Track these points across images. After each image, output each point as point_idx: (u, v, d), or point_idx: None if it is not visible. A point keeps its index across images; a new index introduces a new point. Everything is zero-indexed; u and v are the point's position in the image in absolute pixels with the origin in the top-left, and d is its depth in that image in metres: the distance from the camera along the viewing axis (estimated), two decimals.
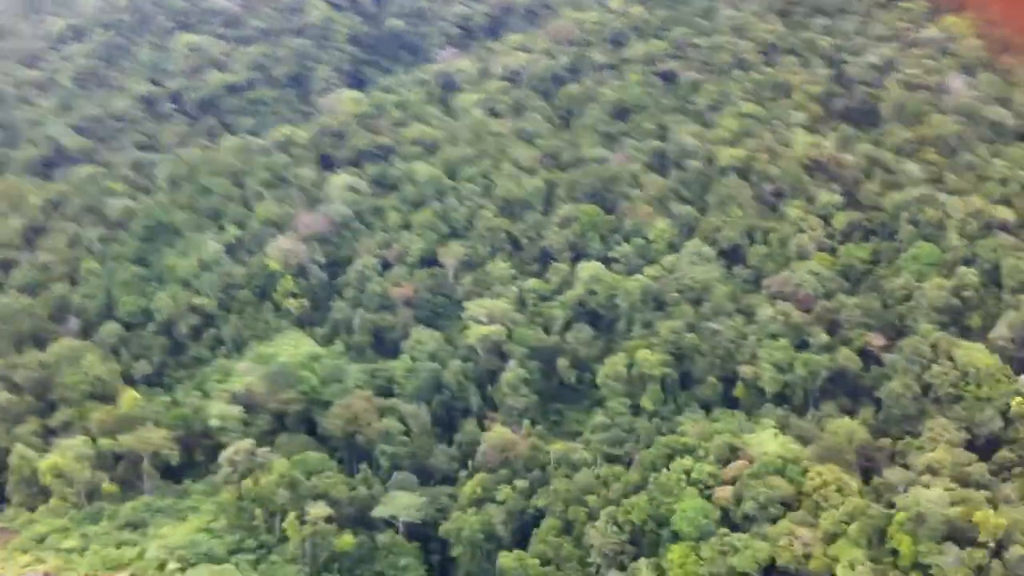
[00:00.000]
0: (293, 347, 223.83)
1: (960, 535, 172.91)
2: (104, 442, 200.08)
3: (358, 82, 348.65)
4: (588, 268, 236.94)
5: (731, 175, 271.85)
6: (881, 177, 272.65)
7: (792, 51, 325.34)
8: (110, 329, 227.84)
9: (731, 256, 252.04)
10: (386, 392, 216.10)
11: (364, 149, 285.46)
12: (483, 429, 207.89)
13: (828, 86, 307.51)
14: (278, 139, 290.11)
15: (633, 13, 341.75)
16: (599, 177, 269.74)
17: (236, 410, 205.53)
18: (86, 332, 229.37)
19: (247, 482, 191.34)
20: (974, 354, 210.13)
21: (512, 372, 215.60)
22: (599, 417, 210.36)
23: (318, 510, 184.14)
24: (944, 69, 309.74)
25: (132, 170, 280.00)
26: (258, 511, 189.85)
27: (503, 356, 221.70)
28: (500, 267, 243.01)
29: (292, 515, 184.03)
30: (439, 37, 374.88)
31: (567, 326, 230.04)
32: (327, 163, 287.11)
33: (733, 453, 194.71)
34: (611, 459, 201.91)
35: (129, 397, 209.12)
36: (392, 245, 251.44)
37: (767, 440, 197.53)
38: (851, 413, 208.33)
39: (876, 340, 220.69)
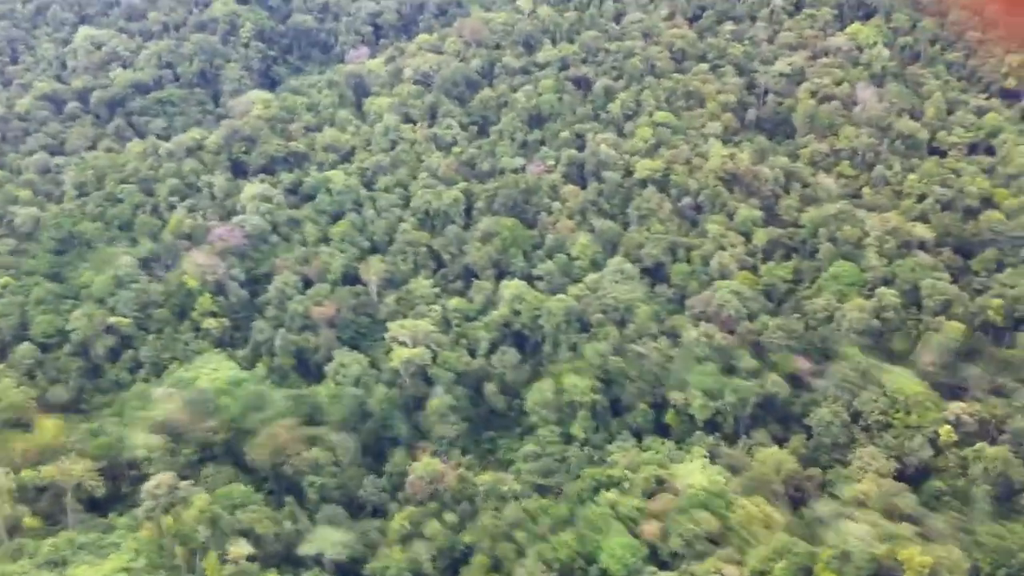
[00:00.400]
0: (214, 371, 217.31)
1: (886, 574, 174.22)
2: (26, 473, 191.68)
3: (270, 81, 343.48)
4: (511, 287, 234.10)
5: (650, 187, 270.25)
6: (799, 191, 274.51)
7: (703, 58, 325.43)
8: (25, 351, 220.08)
9: (654, 274, 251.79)
10: (312, 419, 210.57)
11: (276, 155, 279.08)
12: (413, 459, 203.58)
13: (740, 95, 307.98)
14: (187, 143, 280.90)
15: (542, 15, 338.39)
16: (518, 188, 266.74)
17: (159, 439, 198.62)
18: (2, 352, 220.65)
19: (167, 518, 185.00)
20: (902, 380, 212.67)
21: (439, 399, 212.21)
22: (529, 446, 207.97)
23: (239, 548, 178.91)
24: (853, 79, 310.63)
25: (38, 174, 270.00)
26: (179, 549, 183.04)
27: (429, 381, 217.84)
28: (423, 285, 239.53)
29: (213, 554, 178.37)
30: (350, 35, 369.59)
31: (493, 348, 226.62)
32: (239, 170, 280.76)
33: (660, 485, 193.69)
34: (542, 490, 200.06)
35: (50, 425, 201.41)
36: (311, 261, 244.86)
37: (694, 471, 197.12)
38: (782, 440, 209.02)
39: (803, 364, 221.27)
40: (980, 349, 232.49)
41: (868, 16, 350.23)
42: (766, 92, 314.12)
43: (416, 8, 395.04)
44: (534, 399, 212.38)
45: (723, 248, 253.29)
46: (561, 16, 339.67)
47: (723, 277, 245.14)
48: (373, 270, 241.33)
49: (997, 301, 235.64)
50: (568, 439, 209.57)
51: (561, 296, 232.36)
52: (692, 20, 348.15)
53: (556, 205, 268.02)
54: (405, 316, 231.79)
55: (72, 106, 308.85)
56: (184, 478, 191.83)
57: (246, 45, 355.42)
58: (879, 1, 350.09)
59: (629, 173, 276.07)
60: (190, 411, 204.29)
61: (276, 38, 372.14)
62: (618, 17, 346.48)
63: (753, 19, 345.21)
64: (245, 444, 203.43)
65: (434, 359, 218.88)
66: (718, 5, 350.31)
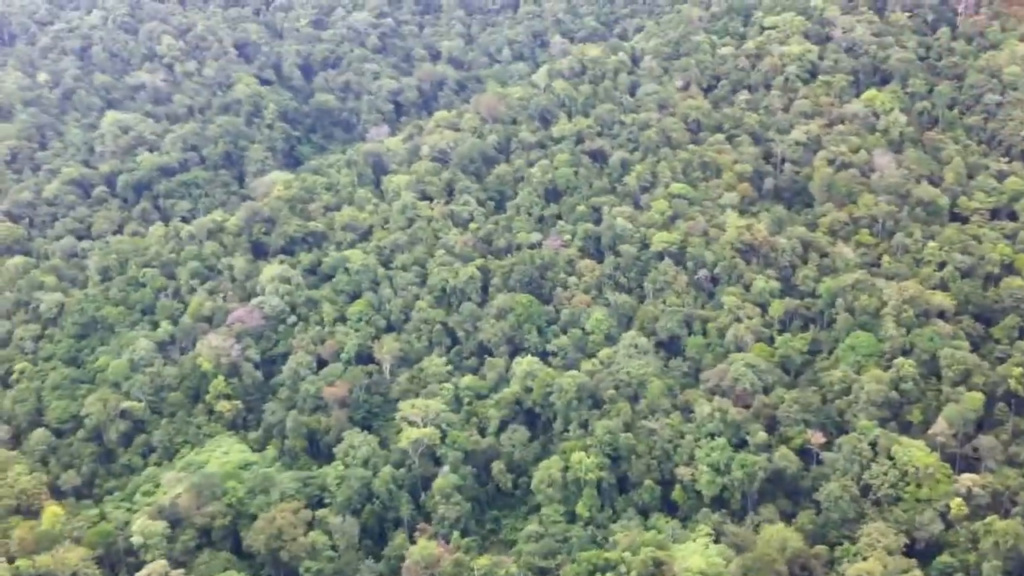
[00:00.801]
0: (224, 454, 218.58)
1: None
2: (22, 563, 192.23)
3: (294, 161, 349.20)
4: (524, 364, 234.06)
5: (666, 260, 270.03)
6: (816, 261, 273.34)
7: (719, 128, 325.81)
8: (39, 436, 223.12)
9: (669, 347, 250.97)
10: (317, 501, 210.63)
11: (295, 236, 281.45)
12: (413, 541, 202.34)
13: (757, 164, 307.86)
14: (208, 226, 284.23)
15: (557, 89, 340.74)
16: (534, 264, 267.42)
17: (160, 526, 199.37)
18: (16, 439, 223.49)
19: None
20: (914, 452, 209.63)
21: (444, 479, 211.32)
22: (532, 526, 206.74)
23: None
24: (870, 146, 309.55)
25: (64, 259, 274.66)
26: None
27: (437, 461, 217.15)
28: (436, 363, 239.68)
29: None
30: (372, 113, 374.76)
31: (504, 426, 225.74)
32: (259, 251, 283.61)
33: (658, 568, 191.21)
34: (541, 572, 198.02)
35: (50, 513, 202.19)
36: (326, 340, 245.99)
37: (694, 552, 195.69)
38: (791, 516, 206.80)
39: (816, 437, 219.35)
40: (1002, 419, 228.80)
41: (884, 82, 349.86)
42: (783, 161, 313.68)
43: (436, 85, 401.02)
44: (540, 477, 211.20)
45: (739, 320, 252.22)
46: (576, 90, 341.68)
47: (739, 350, 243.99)
48: (387, 348, 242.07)
49: (1018, 370, 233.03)
50: (572, 518, 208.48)
51: (573, 372, 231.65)
52: (707, 90, 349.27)
53: (572, 280, 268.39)
54: (417, 395, 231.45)
55: (99, 190, 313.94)
56: (180, 564, 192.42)
57: (270, 126, 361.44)
58: (895, 67, 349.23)
59: (646, 246, 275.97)
60: (196, 495, 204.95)
61: (299, 118, 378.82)
62: (633, 89, 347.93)
63: (768, 88, 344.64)
64: (244, 529, 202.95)
65: (443, 438, 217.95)
66: (732, 75, 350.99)
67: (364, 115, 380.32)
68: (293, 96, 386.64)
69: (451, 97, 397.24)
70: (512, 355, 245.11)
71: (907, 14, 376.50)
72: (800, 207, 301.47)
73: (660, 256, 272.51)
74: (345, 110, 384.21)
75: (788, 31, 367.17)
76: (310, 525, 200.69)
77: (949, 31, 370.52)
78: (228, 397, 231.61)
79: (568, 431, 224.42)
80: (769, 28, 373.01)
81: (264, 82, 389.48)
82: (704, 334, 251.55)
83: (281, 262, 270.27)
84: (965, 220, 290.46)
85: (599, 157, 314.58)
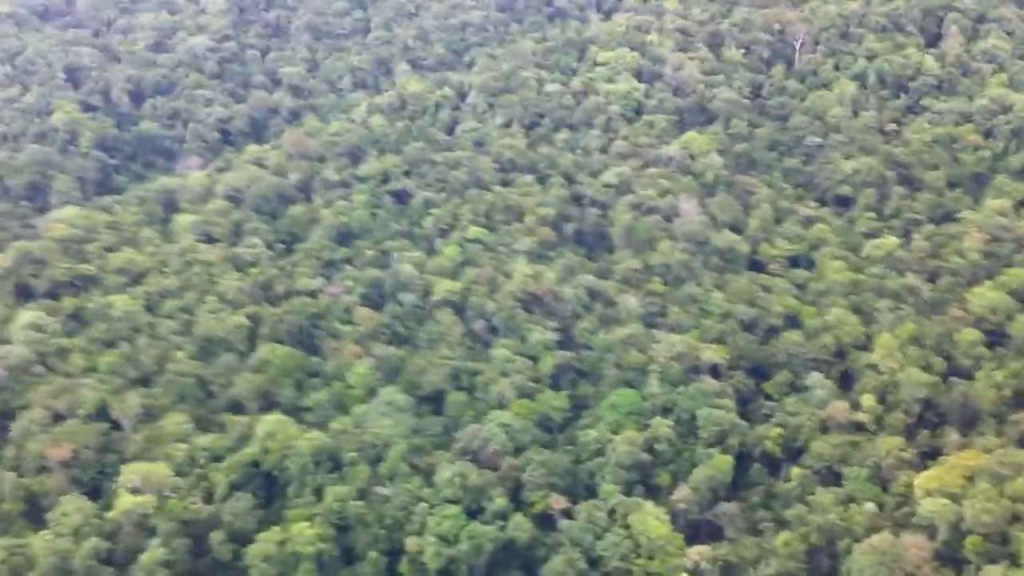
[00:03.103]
0: None
1: None
2: None
3: (109, 191, 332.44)
4: (267, 422, 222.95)
5: (445, 309, 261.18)
6: (600, 312, 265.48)
7: (533, 168, 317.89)
8: None
9: (435, 402, 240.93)
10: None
11: (62, 280, 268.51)
12: None
13: (562, 208, 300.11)
14: None
15: (373, 124, 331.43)
16: (306, 313, 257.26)
17: None
18: None
19: None
20: (649, 521, 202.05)
21: (151, 552, 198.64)
22: None
23: None
24: (678, 190, 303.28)
25: None
26: None
27: (152, 531, 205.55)
28: (175, 421, 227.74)
29: None
30: (196, 142, 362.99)
31: (233, 491, 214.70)
32: (26, 294, 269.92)
33: None
34: None
35: None
36: (66, 394, 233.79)
37: None
38: None
39: (558, 503, 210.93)
40: (758, 481, 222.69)
41: (710, 121, 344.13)
42: (592, 204, 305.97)
43: (269, 113, 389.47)
44: (255, 551, 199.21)
45: (506, 375, 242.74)
46: (392, 126, 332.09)
47: (500, 406, 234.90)
48: (129, 404, 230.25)
49: (776, 431, 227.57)
50: None
51: (313, 433, 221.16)
52: (530, 128, 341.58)
53: (347, 329, 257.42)
54: (151, 455, 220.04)
55: None
56: None
57: (85, 155, 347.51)
58: (719, 107, 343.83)
59: (427, 295, 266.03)
60: None
61: (120, 146, 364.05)
62: (453, 126, 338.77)
63: (590, 126, 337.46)
64: None
65: (160, 506, 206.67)
66: (556, 112, 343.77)
67: (188, 144, 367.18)
68: (117, 123, 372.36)
69: (283, 127, 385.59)
70: (265, 410, 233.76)
71: (742, 51, 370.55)
72: (602, 252, 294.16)
73: (440, 306, 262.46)
74: (168, 138, 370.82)
75: (619, 67, 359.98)
76: None
77: (784, 69, 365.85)
78: None
79: (301, 497, 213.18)
80: (601, 64, 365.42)
81: (90, 108, 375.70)
82: (468, 390, 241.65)
83: (42, 308, 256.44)
84: (763, 268, 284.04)
85: (402, 197, 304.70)
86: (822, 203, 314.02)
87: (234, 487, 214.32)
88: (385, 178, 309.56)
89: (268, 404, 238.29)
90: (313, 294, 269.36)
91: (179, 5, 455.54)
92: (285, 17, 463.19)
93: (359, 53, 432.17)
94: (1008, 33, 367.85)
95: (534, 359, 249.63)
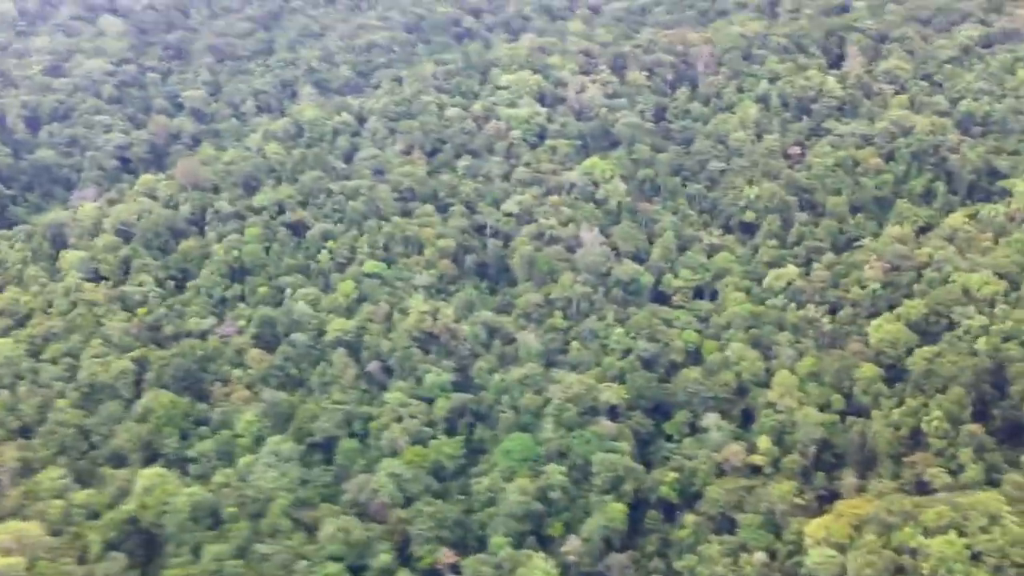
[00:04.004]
0: None
1: None
2: None
3: (7, 223, 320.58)
4: (146, 476, 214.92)
5: (339, 350, 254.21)
6: (499, 350, 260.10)
7: (434, 197, 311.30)
8: None
9: (326, 449, 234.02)
10: None
11: None
12: None
13: (463, 239, 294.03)
14: None
15: (269, 152, 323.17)
16: (195, 356, 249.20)
17: None
18: None
19: None
20: (537, 575, 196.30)
21: None
22: None
23: None
24: (581, 218, 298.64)
25: None
26: None
27: None
28: (53, 475, 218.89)
29: None
30: (93, 170, 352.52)
31: (109, 550, 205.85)
32: None
33: None
34: None
35: None
36: None
37: None
38: None
39: (447, 557, 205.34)
40: (654, 527, 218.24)
41: (614, 146, 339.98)
42: (495, 234, 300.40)
43: (170, 139, 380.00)
44: None
45: (400, 420, 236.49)
46: (288, 154, 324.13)
47: (392, 454, 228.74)
48: (6, 457, 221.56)
49: (672, 475, 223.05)
50: None
51: (192, 488, 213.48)
52: (431, 154, 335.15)
53: (238, 373, 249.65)
54: (29, 511, 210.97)
55: None
56: None
57: None
58: (622, 131, 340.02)
59: (321, 334, 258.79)
60: None
61: (15, 176, 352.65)
62: (351, 154, 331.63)
63: (491, 152, 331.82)
64: None
65: (32, 567, 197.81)
66: (457, 138, 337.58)
67: (86, 173, 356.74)
68: (13, 151, 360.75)
69: (184, 153, 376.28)
70: (148, 462, 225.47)
71: (645, 74, 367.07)
72: (505, 285, 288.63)
73: (334, 346, 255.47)
74: (66, 166, 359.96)
75: (521, 91, 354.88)
76: None
77: (689, 91, 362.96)
78: None
79: (178, 557, 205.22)
80: (503, 88, 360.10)
81: None
82: (364, 435, 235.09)
83: None
84: (667, 300, 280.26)
85: (300, 230, 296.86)
86: (727, 229, 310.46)
87: (110, 546, 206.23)
88: (281, 209, 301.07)
89: (151, 455, 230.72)
90: (204, 335, 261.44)
91: (76, 27, 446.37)
92: (187, 38, 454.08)
93: (262, 75, 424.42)
94: (910, 53, 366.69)
95: (430, 401, 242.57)
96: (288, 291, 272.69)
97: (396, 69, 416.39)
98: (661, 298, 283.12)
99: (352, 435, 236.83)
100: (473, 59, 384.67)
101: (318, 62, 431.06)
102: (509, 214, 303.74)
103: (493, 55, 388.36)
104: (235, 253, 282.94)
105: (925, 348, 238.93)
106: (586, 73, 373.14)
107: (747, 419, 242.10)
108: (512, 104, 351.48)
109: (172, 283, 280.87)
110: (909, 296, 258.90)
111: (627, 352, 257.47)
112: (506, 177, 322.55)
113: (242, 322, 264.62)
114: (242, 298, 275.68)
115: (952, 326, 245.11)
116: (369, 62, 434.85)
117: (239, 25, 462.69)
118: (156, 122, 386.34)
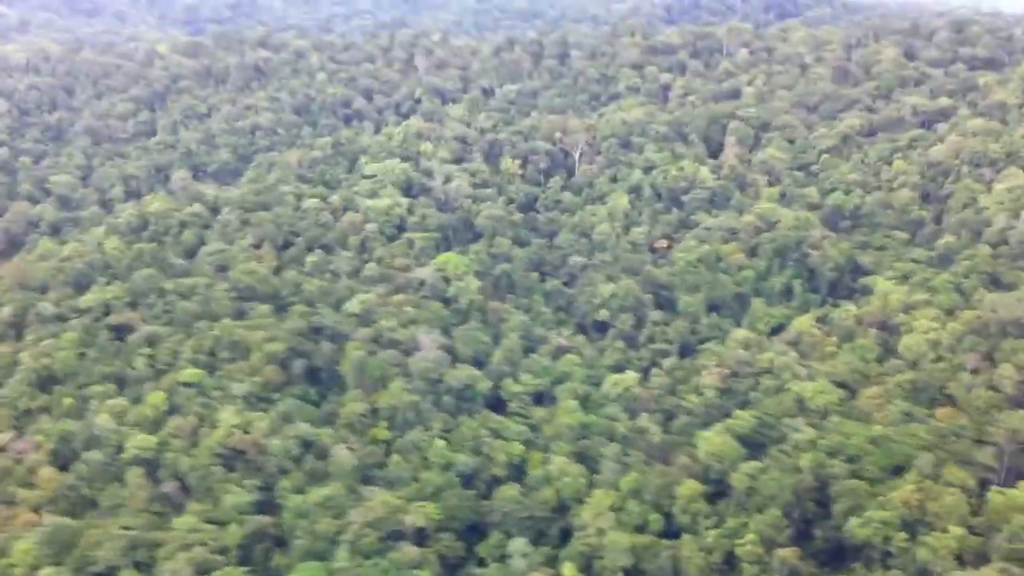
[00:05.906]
0: None
1: None
2: None
3: None
4: None
5: (137, 469, 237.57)
6: (311, 466, 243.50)
7: (275, 295, 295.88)
8: None
9: None
10: None
11: None
12: None
13: (296, 342, 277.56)
14: None
15: (107, 247, 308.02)
16: None
17: None
18: None
19: None
20: None
21: None
22: None
23: None
24: (424, 319, 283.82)
25: None
26: None
27: None
28: None
29: None
30: None
31: None
32: None
33: None
34: None
35: None
36: None
37: None
38: None
39: None
40: None
41: (476, 239, 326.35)
42: (332, 337, 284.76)
43: (28, 226, 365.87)
44: None
45: (188, 546, 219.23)
46: (127, 249, 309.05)
47: None
48: None
49: None
50: None
51: None
52: (283, 248, 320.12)
53: (24, 494, 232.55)
54: None
55: None
56: None
57: None
58: (484, 224, 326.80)
59: (119, 451, 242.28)
60: None
61: None
62: (196, 248, 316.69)
63: (344, 247, 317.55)
64: None
65: None
66: (311, 231, 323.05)
67: None
68: None
69: (37, 240, 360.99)
70: None
71: (519, 162, 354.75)
72: (336, 391, 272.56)
73: (130, 465, 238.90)
74: None
75: (385, 180, 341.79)
76: None
77: (563, 180, 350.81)
78: None
79: None
80: (368, 177, 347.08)
81: None
82: (150, 565, 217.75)
83: None
84: (504, 407, 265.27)
85: (124, 333, 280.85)
86: (581, 328, 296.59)
87: None
88: (107, 310, 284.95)
89: None
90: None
91: None
92: (66, 119, 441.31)
93: (138, 159, 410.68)
94: (790, 142, 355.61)
95: (225, 524, 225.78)
96: (94, 403, 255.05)
97: (277, 152, 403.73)
98: (499, 404, 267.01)
99: (135, 565, 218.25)
100: (343, 146, 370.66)
101: (197, 144, 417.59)
102: (350, 314, 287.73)
103: (362, 142, 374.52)
104: (44, 361, 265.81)
105: (751, 463, 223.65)
106: (458, 161, 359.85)
107: (565, 538, 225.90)
108: (374, 194, 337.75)
109: None
110: (744, 405, 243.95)
111: (448, 466, 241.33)
112: (355, 273, 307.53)
113: (40, 437, 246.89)
114: (47, 410, 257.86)
115: (781, 439, 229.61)
116: (252, 144, 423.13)
117: (122, 106, 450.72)
118: (16, 210, 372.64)
